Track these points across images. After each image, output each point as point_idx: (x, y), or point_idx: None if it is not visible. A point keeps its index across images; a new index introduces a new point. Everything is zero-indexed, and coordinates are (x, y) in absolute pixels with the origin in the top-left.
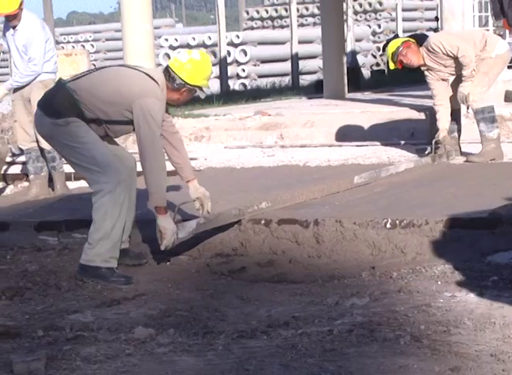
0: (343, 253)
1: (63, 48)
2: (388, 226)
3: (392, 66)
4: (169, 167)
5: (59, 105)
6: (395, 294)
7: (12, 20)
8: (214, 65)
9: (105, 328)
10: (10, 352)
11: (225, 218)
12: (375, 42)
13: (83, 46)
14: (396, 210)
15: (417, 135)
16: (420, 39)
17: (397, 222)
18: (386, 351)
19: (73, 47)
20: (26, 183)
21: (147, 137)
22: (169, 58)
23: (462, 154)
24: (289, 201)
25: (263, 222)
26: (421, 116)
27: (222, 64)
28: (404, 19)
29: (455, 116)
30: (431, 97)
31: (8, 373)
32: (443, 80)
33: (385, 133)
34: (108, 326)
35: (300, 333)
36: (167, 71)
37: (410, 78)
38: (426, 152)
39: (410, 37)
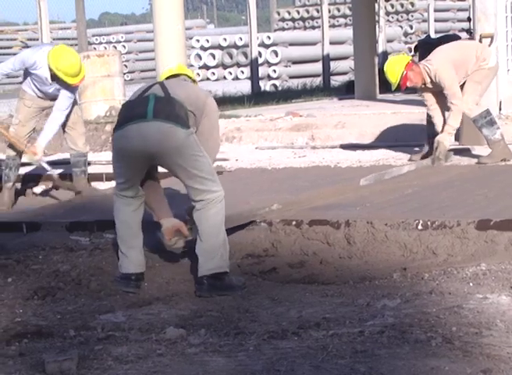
0: (374, 254)
1: (95, 48)
2: (419, 227)
3: (395, 87)
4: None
5: (184, 115)
6: (426, 295)
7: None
8: (245, 66)
9: (137, 328)
10: (42, 352)
11: (236, 220)
12: (406, 43)
13: (115, 47)
14: (428, 211)
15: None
16: (452, 40)
17: (429, 223)
18: (418, 352)
19: (105, 48)
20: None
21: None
22: (201, 58)
23: (469, 156)
24: (295, 204)
25: (294, 223)
26: None
27: (253, 65)
28: (436, 20)
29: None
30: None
31: (40, 372)
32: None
33: (416, 135)
34: (139, 327)
35: (331, 334)
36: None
37: None
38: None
39: (442, 37)
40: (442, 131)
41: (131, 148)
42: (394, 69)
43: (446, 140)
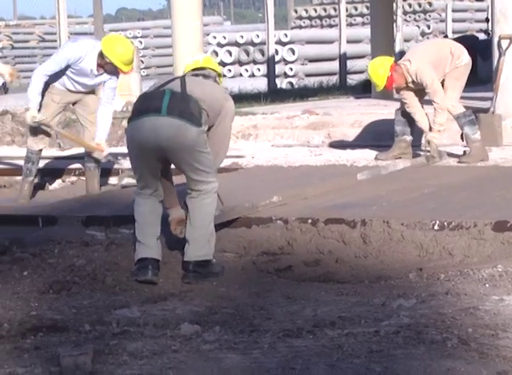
0: (390, 254)
1: None
2: (436, 227)
3: (380, 89)
4: None
5: (197, 114)
6: (442, 296)
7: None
8: (261, 63)
9: (152, 324)
10: (57, 346)
11: (239, 211)
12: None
13: (132, 42)
14: (445, 212)
15: None
16: (469, 41)
17: (445, 224)
18: (433, 353)
19: None
20: (74, 178)
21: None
22: (217, 55)
23: (447, 156)
24: (296, 196)
25: (310, 221)
26: None
27: (270, 62)
28: (454, 20)
29: (411, 119)
30: (480, 99)
31: (55, 366)
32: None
33: None
34: (154, 322)
35: (346, 333)
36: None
37: None
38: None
39: (459, 38)
40: (430, 130)
41: (142, 140)
42: (378, 72)
43: (435, 138)
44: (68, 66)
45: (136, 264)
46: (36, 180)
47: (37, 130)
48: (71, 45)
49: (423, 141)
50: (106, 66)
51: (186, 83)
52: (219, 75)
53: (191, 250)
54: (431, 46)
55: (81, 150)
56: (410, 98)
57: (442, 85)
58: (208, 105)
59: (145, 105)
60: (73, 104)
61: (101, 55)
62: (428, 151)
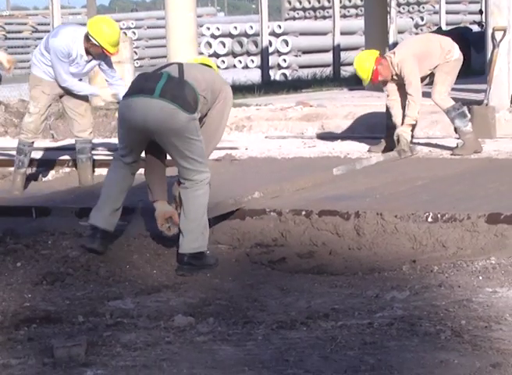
0: (383, 246)
1: None
2: (429, 220)
3: (366, 83)
4: None
5: (191, 100)
6: (435, 288)
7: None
8: (255, 54)
9: (145, 315)
10: (51, 337)
11: (223, 207)
12: (417, 34)
13: (125, 33)
14: (438, 204)
15: None
16: (463, 33)
17: (439, 216)
18: (427, 345)
19: None
20: (67, 169)
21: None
22: (211, 46)
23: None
24: (278, 192)
25: (304, 213)
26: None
27: (264, 54)
28: (448, 12)
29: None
30: (474, 91)
31: (49, 357)
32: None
33: (427, 126)
34: (148, 314)
35: (339, 325)
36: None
37: None
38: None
39: (452, 30)
40: (402, 123)
41: (132, 119)
42: (364, 66)
43: (405, 132)
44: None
45: (88, 228)
46: (29, 171)
47: (31, 124)
48: (55, 41)
49: (394, 137)
50: (92, 49)
51: (184, 69)
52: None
53: (186, 242)
54: (418, 40)
55: (72, 141)
56: (393, 92)
57: (432, 79)
58: (208, 89)
59: (141, 85)
60: (60, 97)
61: (86, 37)
62: (399, 145)
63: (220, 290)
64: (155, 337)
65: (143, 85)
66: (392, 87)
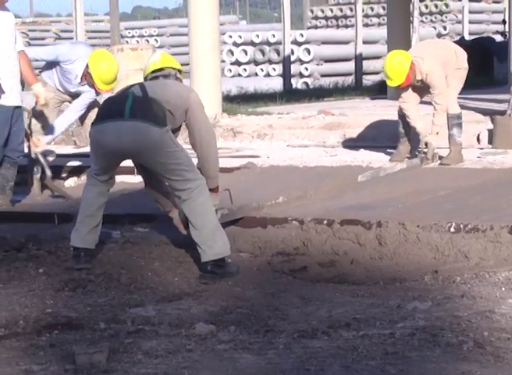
0: (405, 256)
1: (127, 42)
2: (452, 230)
3: (395, 85)
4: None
5: (161, 114)
6: (458, 299)
7: None
8: (277, 63)
9: (166, 323)
10: (72, 343)
11: (246, 210)
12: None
13: (147, 41)
14: (461, 214)
15: (482, 138)
16: (486, 42)
17: (461, 226)
18: (449, 356)
19: (137, 41)
20: None
21: (211, 128)
22: (233, 54)
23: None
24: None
25: (325, 222)
26: (487, 119)
27: (286, 62)
28: (470, 22)
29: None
30: (497, 101)
31: (70, 363)
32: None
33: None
34: (169, 321)
35: (361, 335)
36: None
37: (473, 82)
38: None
39: (475, 40)
40: (431, 132)
41: (107, 144)
42: (401, 69)
43: (434, 140)
44: (56, 64)
45: (72, 250)
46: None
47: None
48: (68, 46)
49: (421, 144)
50: (87, 77)
51: (146, 86)
52: (180, 71)
53: (205, 252)
54: (442, 48)
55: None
56: (409, 96)
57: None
58: (173, 104)
59: (109, 109)
60: (70, 101)
61: (87, 64)
62: (425, 153)
63: (241, 298)
64: (176, 345)
65: (111, 109)
66: (409, 92)
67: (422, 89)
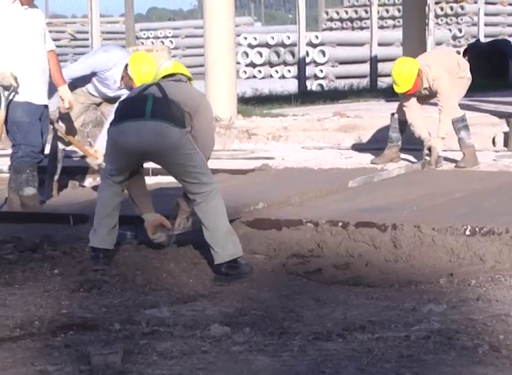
0: (420, 258)
1: (142, 43)
2: (467, 233)
3: (403, 91)
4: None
5: (180, 115)
6: (473, 302)
7: None
8: (292, 65)
9: (181, 324)
10: (87, 344)
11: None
12: (455, 46)
13: (162, 42)
14: (476, 217)
15: (498, 141)
16: (501, 45)
17: (477, 229)
18: (464, 359)
19: (152, 43)
20: None
21: (211, 134)
22: (248, 56)
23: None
24: (285, 203)
25: (340, 224)
26: (503, 122)
27: (301, 64)
28: (486, 24)
29: (402, 126)
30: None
31: (85, 364)
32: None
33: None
34: (184, 323)
35: (376, 337)
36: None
37: (488, 84)
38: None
39: (491, 42)
40: (436, 136)
41: (127, 144)
42: (409, 75)
43: (439, 145)
44: (94, 74)
45: (90, 251)
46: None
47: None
48: (101, 54)
49: (425, 150)
50: (125, 79)
51: (164, 88)
52: (190, 79)
53: (218, 253)
54: (448, 57)
55: None
56: (414, 104)
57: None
58: (188, 106)
59: (129, 110)
60: (98, 105)
61: (126, 66)
62: (429, 157)
63: (256, 300)
64: (191, 346)
65: (131, 109)
66: (413, 100)
67: (424, 98)
